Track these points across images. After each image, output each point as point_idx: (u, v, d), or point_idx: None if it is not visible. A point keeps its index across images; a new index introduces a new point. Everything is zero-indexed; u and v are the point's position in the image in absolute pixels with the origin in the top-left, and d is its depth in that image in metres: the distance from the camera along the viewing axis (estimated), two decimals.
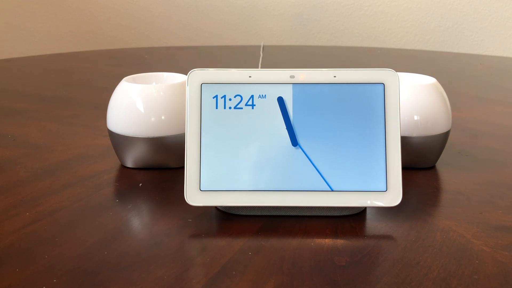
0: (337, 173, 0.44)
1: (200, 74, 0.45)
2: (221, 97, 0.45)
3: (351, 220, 0.44)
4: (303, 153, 0.44)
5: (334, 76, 0.45)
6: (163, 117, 0.53)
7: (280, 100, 0.44)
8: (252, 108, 0.45)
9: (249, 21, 1.77)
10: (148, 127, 0.53)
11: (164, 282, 0.35)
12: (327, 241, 0.41)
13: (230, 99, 0.45)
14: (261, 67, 0.58)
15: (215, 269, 0.37)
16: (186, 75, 0.45)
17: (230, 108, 0.45)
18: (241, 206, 0.44)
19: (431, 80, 0.56)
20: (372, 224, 0.44)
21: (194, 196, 0.43)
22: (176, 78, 0.59)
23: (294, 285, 0.35)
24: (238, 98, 0.45)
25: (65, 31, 1.78)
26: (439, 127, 0.54)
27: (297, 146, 0.44)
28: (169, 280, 0.36)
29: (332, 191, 0.43)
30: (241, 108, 0.45)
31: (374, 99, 0.44)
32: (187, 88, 0.45)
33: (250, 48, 1.37)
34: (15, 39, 1.75)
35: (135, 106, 0.53)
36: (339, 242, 0.41)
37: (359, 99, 0.44)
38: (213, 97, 0.45)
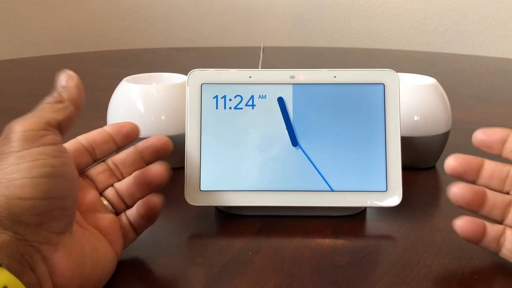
0: (337, 173, 0.44)
1: (200, 75, 0.45)
2: (221, 97, 0.45)
3: (351, 220, 0.44)
4: (303, 153, 0.44)
5: (334, 77, 0.45)
6: (163, 117, 0.53)
7: (280, 100, 0.45)
8: (252, 108, 0.45)
9: (249, 22, 1.77)
10: (148, 127, 0.53)
11: (164, 282, 0.35)
12: (327, 241, 0.41)
13: (230, 100, 0.45)
14: (261, 68, 0.58)
15: (215, 269, 0.37)
16: (186, 75, 0.45)
17: (230, 108, 0.45)
18: (241, 206, 0.44)
19: (431, 80, 0.57)
20: (372, 224, 0.44)
21: (194, 196, 0.43)
22: (176, 78, 0.59)
23: (294, 285, 0.35)
24: (238, 99, 0.45)
25: (65, 32, 1.78)
26: (439, 127, 0.54)
27: (297, 146, 0.44)
28: (169, 280, 0.36)
29: (332, 191, 0.43)
30: (241, 108, 0.45)
31: (374, 99, 0.44)
32: (187, 88, 0.45)
33: (250, 49, 1.37)
34: (16, 40, 1.75)
35: (135, 106, 0.53)
36: (339, 242, 0.41)
37: (359, 99, 0.44)
38: (213, 97, 0.45)
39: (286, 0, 1.73)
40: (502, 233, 0.37)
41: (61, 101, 0.33)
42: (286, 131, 0.44)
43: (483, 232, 0.37)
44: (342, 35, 1.73)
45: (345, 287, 0.35)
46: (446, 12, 1.66)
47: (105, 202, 0.38)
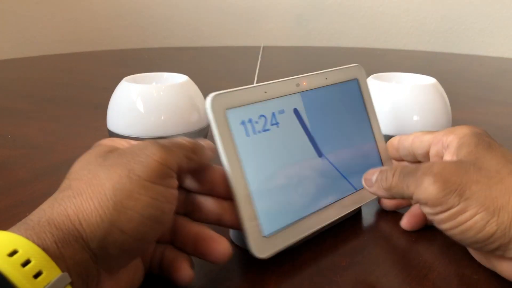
0: (355, 171, 0.43)
1: (221, 99, 0.37)
2: (248, 122, 0.39)
3: (351, 220, 0.44)
4: (328, 161, 0.42)
5: (326, 79, 0.44)
6: (163, 117, 0.53)
7: (296, 112, 0.41)
8: (277, 126, 0.40)
9: (250, 22, 1.77)
10: (148, 127, 0.53)
11: (164, 282, 0.35)
12: (327, 241, 0.41)
13: (256, 122, 0.39)
14: (260, 68, 0.58)
15: (215, 269, 0.37)
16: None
17: (259, 132, 0.39)
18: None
19: (431, 80, 0.57)
20: (372, 224, 0.44)
21: (261, 246, 0.36)
22: (176, 78, 0.59)
23: (294, 285, 0.35)
24: (263, 119, 0.40)
25: (65, 32, 1.78)
26: (439, 127, 0.54)
27: (322, 156, 0.42)
28: (169, 280, 0.35)
29: (356, 190, 0.43)
30: (269, 129, 0.40)
31: (354, 95, 0.46)
32: (211, 116, 0.36)
33: (251, 49, 1.38)
34: (16, 40, 1.75)
35: (135, 106, 0.53)
36: (339, 242, 0.41)
37: (347, 97, 0.46)
38: (241, 124, 0.38)
39: (286, 0, 1.73)
40: None
41: (195, 153, 0.34)
42: (309, 143, 0.41)
43: None
44: (342, 35, 1.73)
45: (345, 287, 0.35)
46: (446, 12, 1.66)
47: None
